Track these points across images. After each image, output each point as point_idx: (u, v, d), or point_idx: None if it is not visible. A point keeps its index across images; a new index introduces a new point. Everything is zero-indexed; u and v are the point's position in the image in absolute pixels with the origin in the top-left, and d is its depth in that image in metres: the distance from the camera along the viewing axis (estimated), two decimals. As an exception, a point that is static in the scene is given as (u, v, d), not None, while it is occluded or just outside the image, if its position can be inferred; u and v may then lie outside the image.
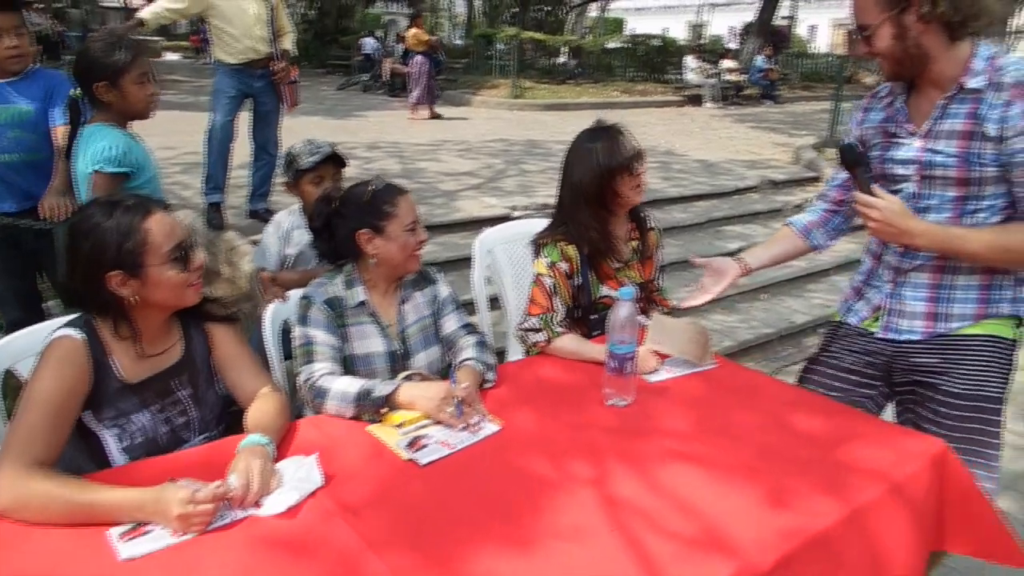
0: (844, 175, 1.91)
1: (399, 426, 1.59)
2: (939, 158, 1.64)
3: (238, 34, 4.29)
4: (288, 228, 2.58)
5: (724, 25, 54.77)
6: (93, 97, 2.31)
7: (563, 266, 2.11)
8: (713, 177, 7.03)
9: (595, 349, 1.95)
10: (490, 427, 1.60)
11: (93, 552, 1.20)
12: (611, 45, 20.23)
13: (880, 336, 1.83)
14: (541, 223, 2.32)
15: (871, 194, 1.63)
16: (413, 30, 11.52)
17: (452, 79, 16.36)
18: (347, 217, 1.87)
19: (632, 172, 2.07)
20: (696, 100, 14.99)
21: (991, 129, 1.56)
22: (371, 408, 1.63)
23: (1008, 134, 1.54)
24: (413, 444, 1.53)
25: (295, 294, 2.14)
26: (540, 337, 2.04)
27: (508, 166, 7.12)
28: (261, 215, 4.61)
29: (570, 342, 2.03)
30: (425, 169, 6.75)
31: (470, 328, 2.01)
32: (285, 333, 2.10)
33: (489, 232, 2.61)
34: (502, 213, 5.13)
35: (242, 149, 4.66)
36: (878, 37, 1.60)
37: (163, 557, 1.20)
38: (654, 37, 20.62)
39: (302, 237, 2.53)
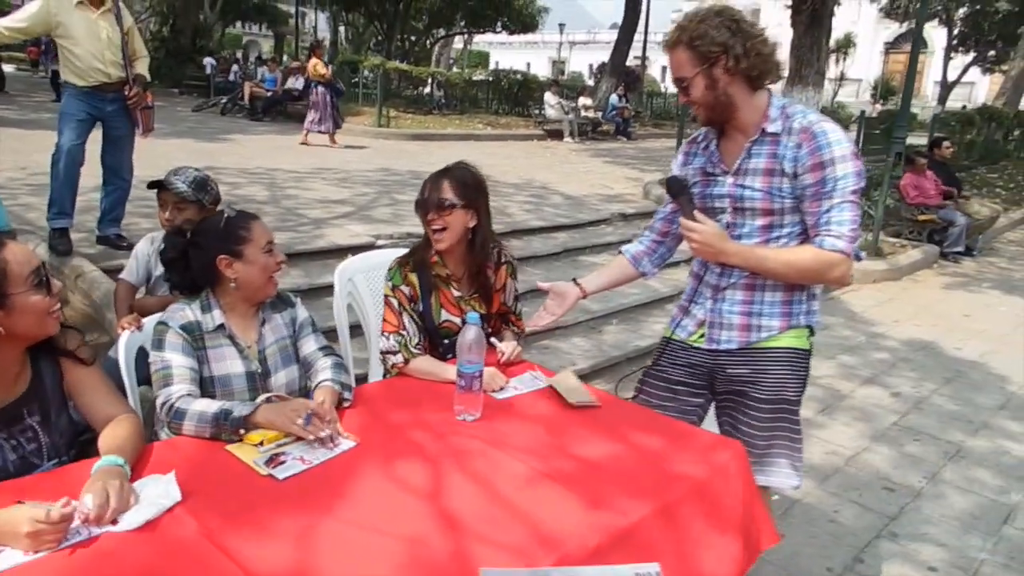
0: (668, 210, 2.20)
1: (258, 444, 1.67)
2: (747, 192, 1.94)
3: (88, 57, 4.16)
4: (157, 248, 2.58)
5: (584, 62, 57.37)
6: None
7: (405, 290, 2.26)
8: (572, 210, 7.44)
9: (448, 369, 2.11)
10: (346, 443, 1.71)
11: (-57, 577, 1.22)
12: (476, 77, 20.76)
13: (704, 347, 2.10)
14: (398, 253, 2.47)
15: (694, 219, 1.91)
16: (313, 60, 11.80)
17: (316, 105, 16.19)
18: (204, 247, 1.94)
19: (426, 219, 2.23)
20: (557, 135, 15.66)
21: (787, 166, 1.86)
22: (230, 429, 1.70)
23: (800, 171, 1.85)
24: (271, 461, 1.62)
25: (149, 321, 2.17)
26: (398, 359, 2.18)
27: (378, 195, 7.21)
28: (112, 241, 4.46)
29: (425, 363, 2.18)
30: (296, 196, 6.72)
31: (327, 350, 2.11)
32: (138, 360, 2.13)
33: (350, 261, 2.72)
34: (367, 241, 5.22)
35: (91, 171, 4.49)
36: (694, 87, 1.89)
37: (18, 574, 1.23)
38: (517, 72, 21.34)
39: None
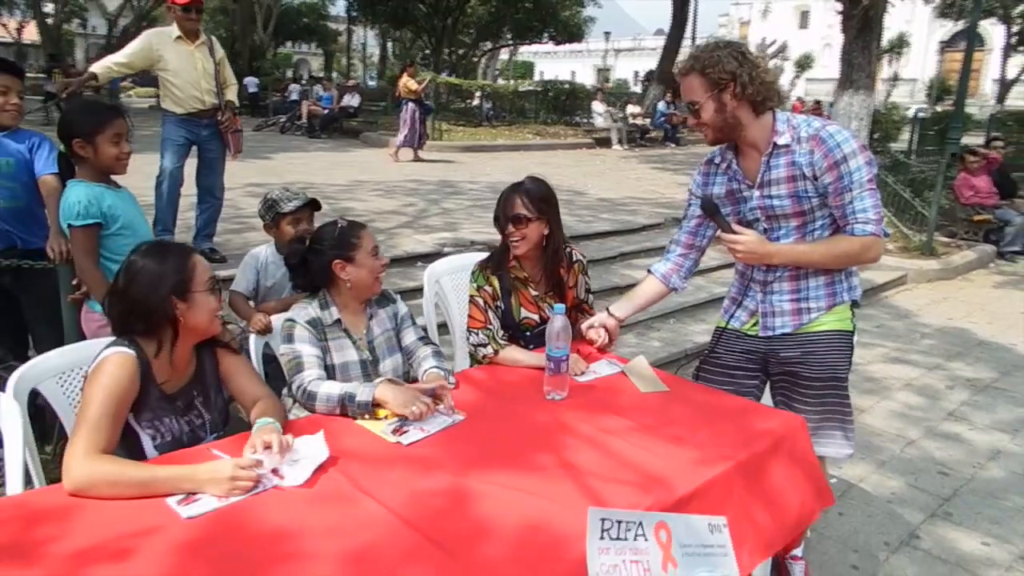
0: (692, 225, 2.46)
1: (383, 419, 1.98)
2: (776, 201, 2.17)
3: (186, 86, 4.60)
4: (264, 262, 2.94)
5: (629, 70, 57.44)
6: (73, 153, 2.60)
7: (488, 290, 2.55)
8: (624, 215, 7.68)
9: (534, 357, 2.40)
10: (457, 417, 2.01)
11: (159, 514, 1.54)
12: (523, 88, 21.13)
13: (760, 335, 2.34)
14: (478, 256, 2.77)
15: (733, 232, 2.16)
16: (404, 78, 12.07)
17: (371, 121, 16.77)
18: (321, 252, 2.27)
19: (504, 232, 2.52)
20: (605, 143, 15.89)
21: (807, 171, 2.10)
22: (357, 411, 2.01)
23: (818, 173, 2.09)
24: (397, 431, 1.92)
25: (275, 322, 2.51)
26: (489, 350, 2.47)
27: (430, 204, 7.57)
28: (207, 254, 4.87)
29: (515, 352, 2.46)
30: (351, 209, 7.12)
31: (425, 340, 2.44)
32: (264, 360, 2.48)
33: (437, 264, 3.03)
34: (434, 249, 5.55)
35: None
36: (704, 111, 2.14)
37: (217, 516, 1.54)
38: (564, 82, 21.62)
39: (277, 270, 2.89)
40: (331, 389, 2.05)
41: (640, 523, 1.54)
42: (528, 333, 2.60)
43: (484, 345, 2.48)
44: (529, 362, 2.40)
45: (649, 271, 2.55)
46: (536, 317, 2.59)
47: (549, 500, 1.63)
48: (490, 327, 2.50)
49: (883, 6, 8.26)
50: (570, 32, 28.78)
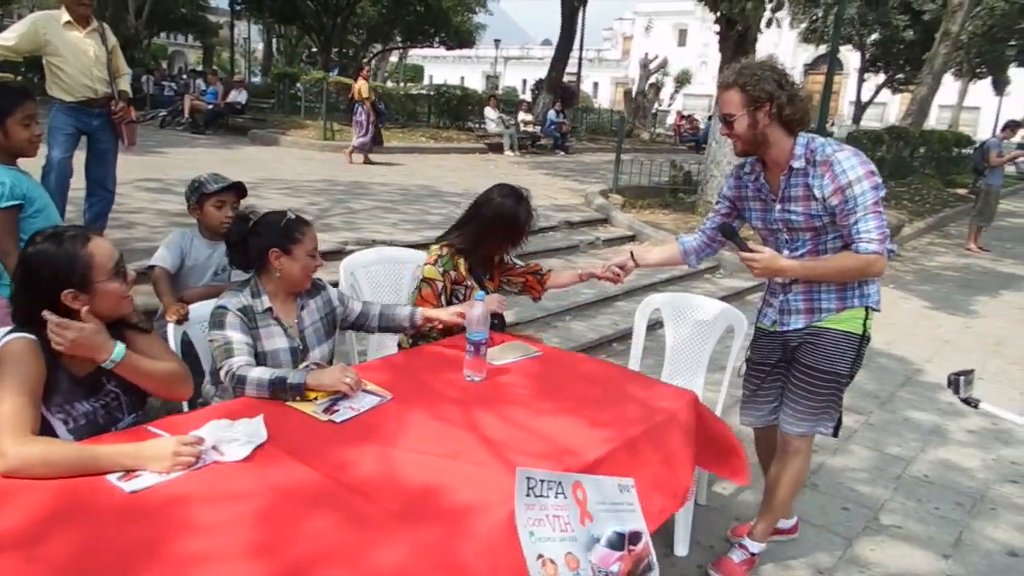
0: (717, 219, 2.70)
1: (314, 400, 2.07)
2: (793, 216, 2.39)
3: (76, 73, 4.42)
4: (191, 241, 2.95)
5: (518, 77, 58.35)
6: None
7: (452, 274, 2.81)
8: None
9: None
10: (385, 395, 2.13)
11: (100, 491, 1.58)
12: (416, 92, 21.11)
13: (778, 331, 2.56)
14: (394, 251, 2.91)
15: (750, 251, 2.37)
16: (359, 82, 12.43)
17: (260, 119, 16.32)
18: (263, 236, 2.33)
19: (522, 233, 2.91)
20: (497, 148, 16.17)
21: (817, 193, 2.29)
22: (289, 394, 2.08)
23: (826, 196, 2.28)
24: (328, 410, 2.02)
25: (195, 311, 2.54)
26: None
27: (333, 204, 7.55)
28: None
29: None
30: (251, 207, 6.99)
31: (370, 302, 2.68)
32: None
33: (353, 257, 3.13)
34: (335, 247, 5.57)
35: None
36: (737, 124, 2.32)
37: (160, 489, 1.60)
38: (456, 87, 21.77)
39: (200, 253, 2.92)
40: (262, 374, 2.12)
41: (560, 483, 1.73)
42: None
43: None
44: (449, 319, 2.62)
45: (677, 239, 2.88)
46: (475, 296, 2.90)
47: (476, 466, 1.78)
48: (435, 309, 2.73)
49: (756, 29, 8.93)
50: (461, 38, 29.02)
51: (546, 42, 58.20)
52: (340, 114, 17.81)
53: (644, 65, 28.03)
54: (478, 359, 2.30)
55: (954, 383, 2.11)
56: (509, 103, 21.22)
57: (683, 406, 2.25)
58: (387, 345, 2.92)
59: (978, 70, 27.06)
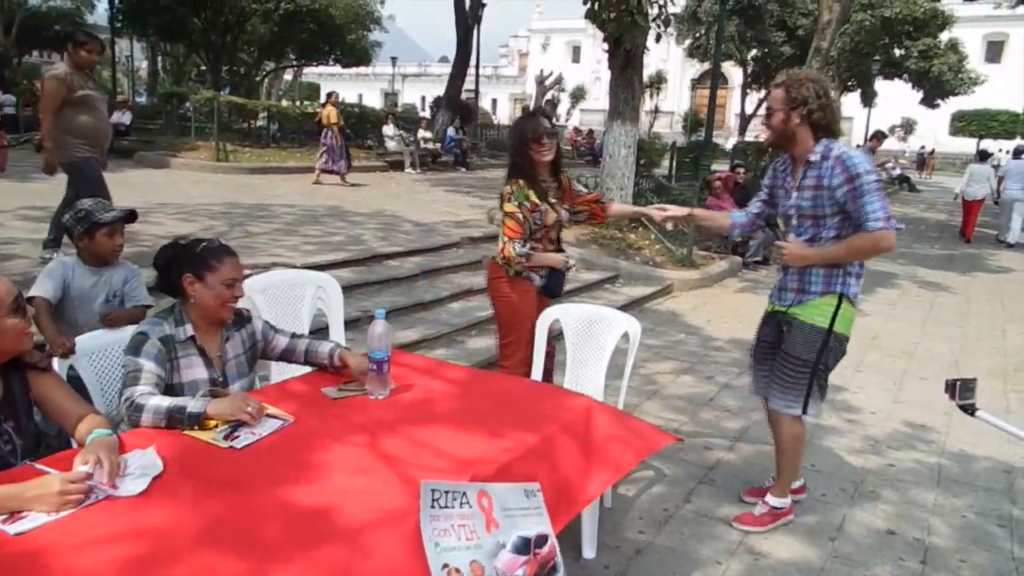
0: (759, 204, 3.20)
1: (213, 428, 2.03)
2: (804, 203, 2.85)
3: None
4: (72, 270, 2.85)
5: (417, 94, 58.31)
6: None
7: (527, 204, 3.21)
8: (423, 236, 7.94)
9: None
10: (287, 419, 2.11)
11: (-19, 536, 1.50)
12: (312, 110, 20.73)
13: (775, 310, 3.03)
14: (292, 274, 2.88)
15: (783, 240, 2.92)
16: (328, 108, 12.94)
17: (147, 140, 15.66)
18: (181, 260, 2.27)
19: (539, 142, 3.20)
20: (398, 166, 16.11)
21: (826, 183, 2.76)
22: (187, 423, 2.03)
23: (836, 185, 2.74)
24: (228, 436, 1.98)
25: (82, 343, 2.44)
26: (527, 249, 3.23)
27: (231, 228, 7.33)
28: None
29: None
30: (139, 232, 6.70)
31: (297, 335, 2.62)
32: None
33: (252, 280, 3.06)
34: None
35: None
36: (775, 117, 2.83)
37: (48, 530, 1.53)
38: (354, 105, 21.57)
39: (84, 281, 2.83)
40: (160, 402, 2.06)
41: (464, 492, 1.76)
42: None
43: (524, 250, 3.20)
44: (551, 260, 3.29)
45: (730, 213, 3.41)
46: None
47: (379, 483, 1.80)
48: (524, 236, 3.20)
49: (643, 48, 9.30)
50: (356, 55, 28.77)
51: (444, 59, 58.42)
52: (233, 134, 17.33)
53: (540, 81, 28.68)
54: (380, 377, 2.32)
55: (951, 388, 2.25)
56: (409, 120, 21.19)
57: (580, 411, 2.33)
58: (289, 369, 2.88)
59: (848, 83, 29.05)
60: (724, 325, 6.71)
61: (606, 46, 9.35)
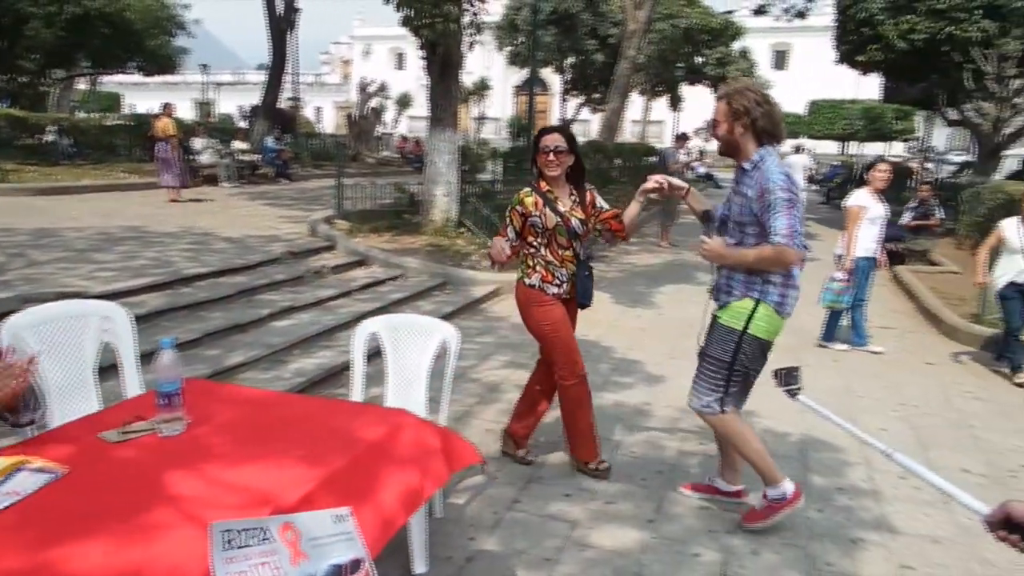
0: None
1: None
2: (734, 208, 3.02)
3: None
4: None
5: (233, 104, 55.41)
6: None
7: (519, 208, 3.49)
8: (240, 253, 7.50)
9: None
10: (56, 472, 1.87)
11: None
12: (111, 123, 19.11)
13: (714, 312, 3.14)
14: (72, 305, 2.58)
15: (708, 237, 3.05)
16: (164, 120, 12.01)
17: (-94, 160, 13.69)
18: None
19: (543, 152, 3.43)
20: (212, 180, 15.19)
21: (748, 192, 2.92)
22: None
23: (753, 196, 2.89)
24: (-16, 498, 1.73)
25: None
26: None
27: (10, 259, 6.53)
28: None
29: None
30: None
31: None
32: None
33: (17, 317, 2.71)
34: (11, 308, 4.82)
35: None
36: (719, 128, 2.98)
37: None
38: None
39: None
40: None
41: (264, 528, 1.64)
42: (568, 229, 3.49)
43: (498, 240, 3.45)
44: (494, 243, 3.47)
45: (715, 208, 3.35)
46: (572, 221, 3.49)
47: (166, 530, 1.64)
48: (507, 238, 3.49)
49: (459, 55, 9.37)
50: (159, 63, 26.71)
51: (261, 67, 55.90)
52: (15, 151, 15.55)
53: (363, 89, 28.16)
54: (171, 411, 2.12)
55: (778, 376, 2.39)
56: (226, 132, 20.04)
57: (392, 426, 2.27)
58: (73, 411, 2.57)
59: (657, 88, 31.04)
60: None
61: (423, 53, 9.34)
